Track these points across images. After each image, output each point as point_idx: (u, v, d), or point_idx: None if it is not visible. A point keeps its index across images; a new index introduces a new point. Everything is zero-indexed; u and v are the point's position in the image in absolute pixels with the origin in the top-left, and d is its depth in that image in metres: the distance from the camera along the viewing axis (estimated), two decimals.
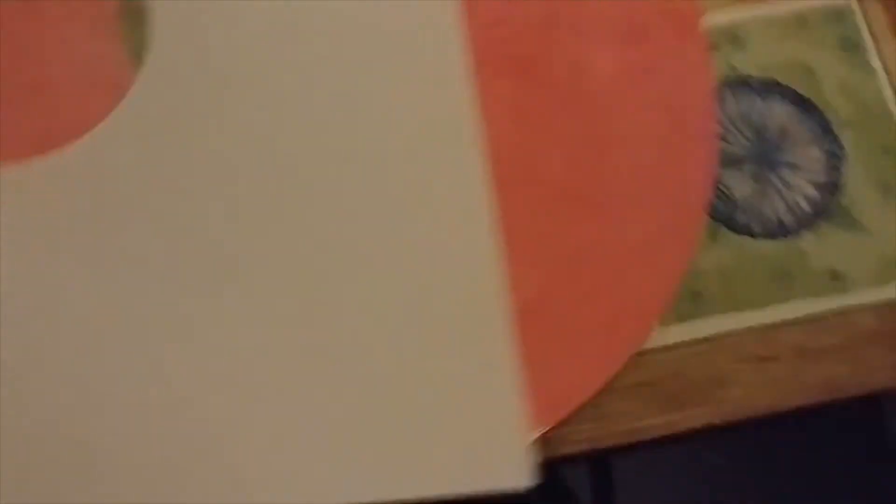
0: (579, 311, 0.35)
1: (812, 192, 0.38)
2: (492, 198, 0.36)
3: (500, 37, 0.39)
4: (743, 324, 0.35)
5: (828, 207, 0.37)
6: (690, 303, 0.36)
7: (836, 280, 0.36)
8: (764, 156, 0.38)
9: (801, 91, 0.39)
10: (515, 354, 0.34)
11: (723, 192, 0.37)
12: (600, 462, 0.64)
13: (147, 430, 0.31)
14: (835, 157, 0.38)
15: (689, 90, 0.39)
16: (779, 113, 0.39)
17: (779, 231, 0.37)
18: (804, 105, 0.39)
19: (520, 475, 0.32)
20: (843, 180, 0.38)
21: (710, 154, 0.38)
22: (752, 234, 0.37)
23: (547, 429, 0.33)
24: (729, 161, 0.38)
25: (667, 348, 0.35)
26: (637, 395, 0.35)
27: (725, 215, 0.37)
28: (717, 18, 0.40)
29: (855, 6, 0.40)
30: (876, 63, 0.40)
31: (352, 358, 0.33)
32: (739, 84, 0.39)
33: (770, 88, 0.39)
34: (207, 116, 0.36)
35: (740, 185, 0.38)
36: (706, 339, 0.35)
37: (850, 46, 0.40)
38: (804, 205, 0.37)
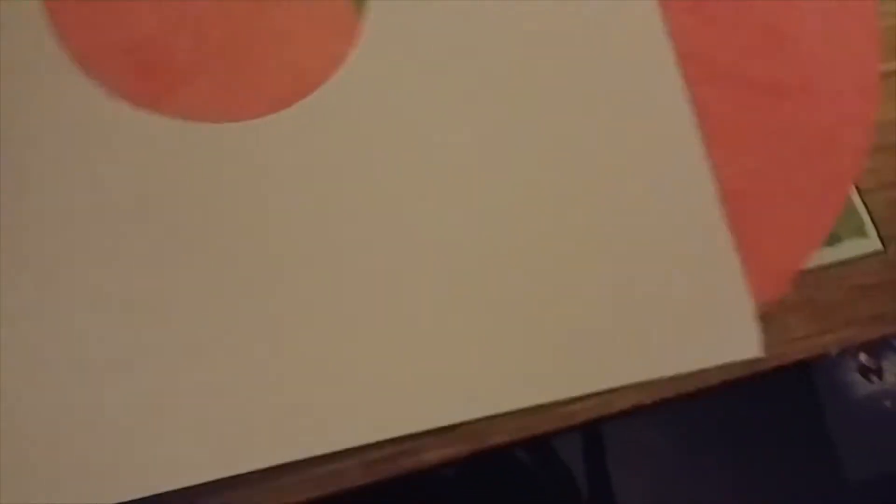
0: (781, 192, 0.38)
1: None
2: (686, 94, 0.38)
3: None
4: None
5: None
6: None
7: None
8: None
9: None
10: (730, 235, 0.36)
11: None
12: (592, 435, 0.67)
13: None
14: None
15: None
16: None
17: None
18: None
19: (750, 346, 0.35)
20: None
21: (876, 41, 0.40)
22: None
23: (769, 300, 0.36)
24: None
25: None
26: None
27: None
28: None
29: None
30: None
31: (582, 252, 0.36)
32: None
33: None
34: (432, 63, 0.37)
35: None
36: None
37: None
38: None
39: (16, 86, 0.33)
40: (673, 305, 0.35)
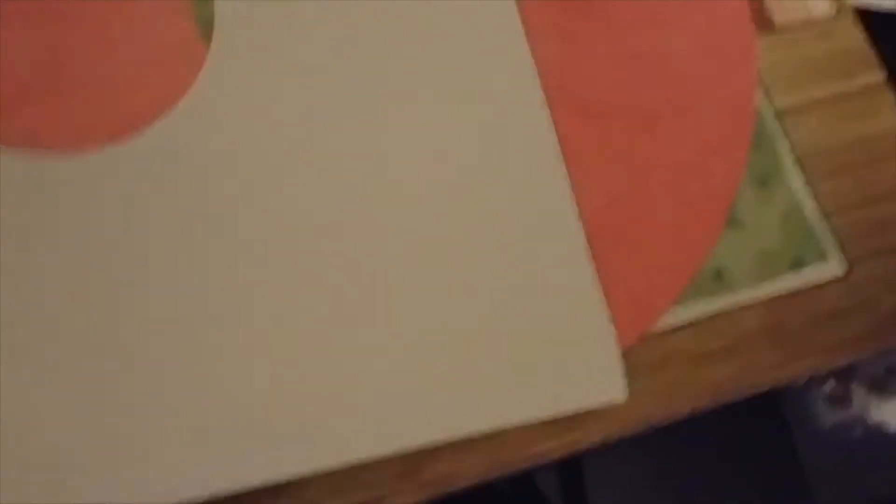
0: (647, 224, 0.36)
1: None
2: (552, 126, 0.36)
3: None
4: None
5: None
6: None
7: (721, 280, 0.38)
8: None
9: None
10: (595, 274, 0.35)
11: None
12: (571, 466, 0.66)
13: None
14: None
15: (725, 6, 0.40)
16: None
17: None
18: None
19: (615, 388, 0.33)
20: None
21: (751, 68, 0.39)
22: None
23: (633, 341, 0.35)
24: None
25: None
26: None
27: None
28: None
29: None
30: None
31: (444, 293, 0.34)
32: None
33: None
34: (280, 86, 0.35)
35: None
36: None
37: None
38: None
39: None
40: (536, 347, 0.34)
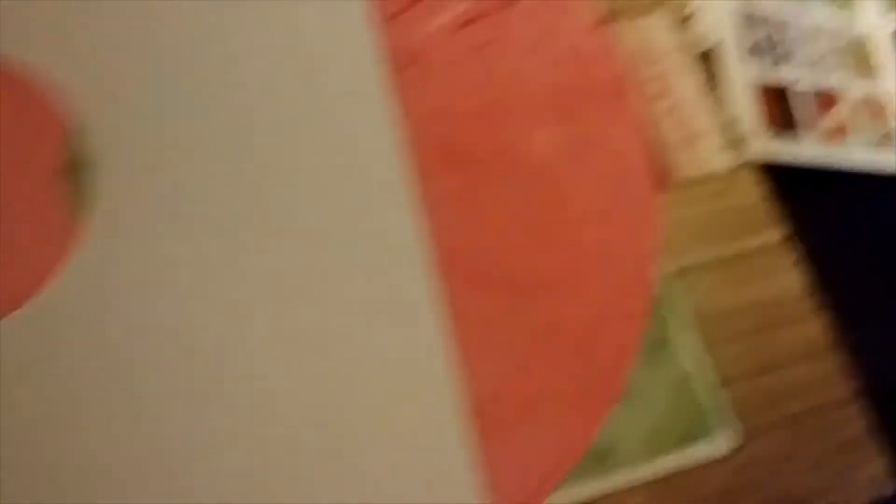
0: (539, 395, 0.34)
1: None
2: (440, 292, 0.35)
3: (438, 130, 0.38)
4: None
5: None
6: None
7: (607, 459, 0.36)
8: None
9: None
10: (474, 453, 0.33)
11: None
12: None
13: None
14: None
15: (622, 166, 0.39)
16: None
17: None
18: None
19: None
20: None
21: (649, 229, 0.38)
22: None
23: None
24: None
25: None
26: None
27: None
28: None
29: None
30: None
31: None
32: None
33: None
34: (155, 265, 0.34)
35: None
36: None
37: None
38: None
39: None
40: None
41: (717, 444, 0.36)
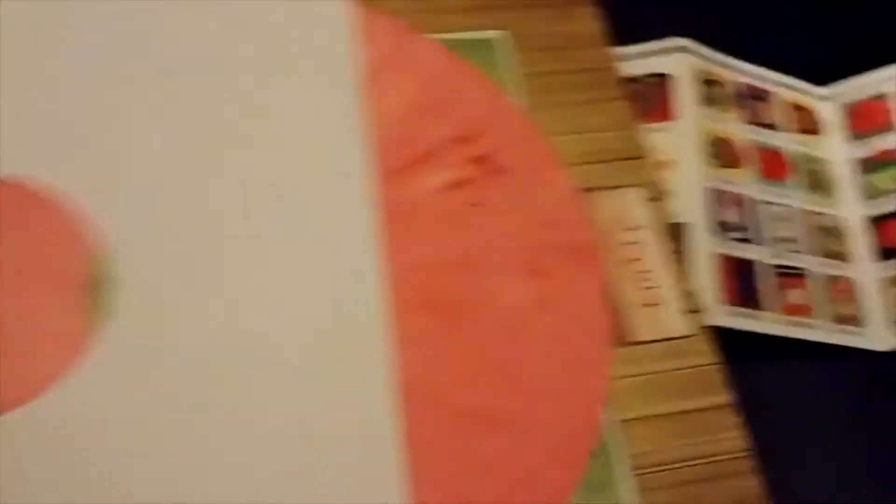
0: None
1: None
2: (397, 416, 0.39)
3: (419, 277, 0.43)
4: None
5: None
6: None
7: None
8: None
9: None
10: None
11: None
12: None
13: None
14: None
15: (585, 321, 0.44)
16: None
17: None
18: None
19: None
20: None
21: (602, 381, 0.42)
22: None
23: None
24: None
25: None
26: None
27: None
28: None
29: None
30: None
31: None
32: None
33: None
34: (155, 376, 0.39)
35: None
36: None
37: None
38: None
39: None
40: None
41: None
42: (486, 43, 0.52)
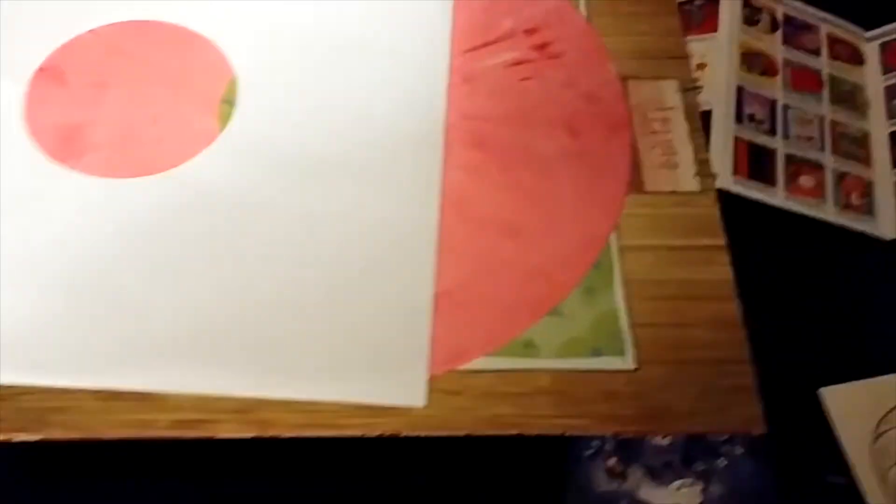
0: (484, 301, 0.48)
1: None
2: (436, 218, 0.50)
3: (472, 124, 0.54)
4: None
5: None
6: None
7: (530, 348, 0.47)
8: None
9: None
10: (430, 311, 0.47)
11: None
12: None
13: None
14: None
15: (607, 170, 0.53)
16: None
17: None
18: None
19: (417, 396, 0.44)
20: None
21: (613, 215, 0.51)
22: None
23: (442, 371, 0.45)
24: None
25: None
26: None
27: None
28: None
29: None
30: None
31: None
32: None
33: None
34: (270, 164, 0.52)
35: None
36: None
37: None
38: None
39: None
40: (367, 350, 0.45)
41: (621, 362, 0.46)
42: None
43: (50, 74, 0.54)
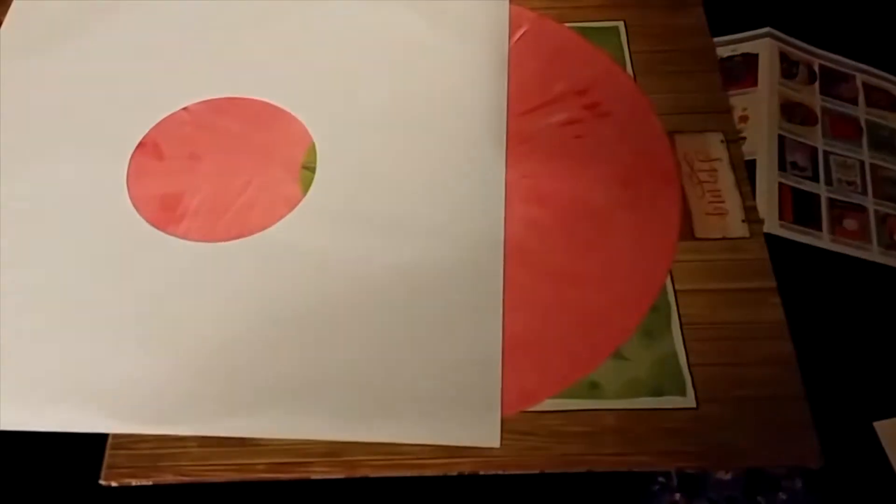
0: (550, 345, 0.51)
1: None
2: (502, 267, 0.54)
3: (530, 181, 0.58)
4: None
5: None
6: None
7: (595, 390, 0.50)
8: None
9: None
10: (500, 354, 0.50)
11: None
12: None
13: None
14: None
15: (660, 220, 0.56)
16: None
17: None
18: None
19: (492, 437, 0.48)
20: None
21: (667, 260, 0.54)
22: None
23: (514, 413, 0.49)
24: None
25: None
26: None
27: None
28: None
29: None
30: None
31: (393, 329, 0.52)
32: None
33: None
34: (342, 230, 0.56)
35: None
36: None
37: None
38: None
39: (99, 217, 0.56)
40: (444, 396, 0.49)
41: (682, 401, 0.48)
42: (611, 30, 0.66)
43: (149, 149, 0.59)
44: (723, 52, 0.65)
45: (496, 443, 0.47)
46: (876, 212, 0.59)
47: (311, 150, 0.59)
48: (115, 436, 0.48)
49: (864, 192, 0.59)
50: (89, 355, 0.50)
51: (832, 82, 0.65)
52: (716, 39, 0.65)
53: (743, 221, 0.56)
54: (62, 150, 0.59)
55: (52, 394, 0.49)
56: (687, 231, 0.56)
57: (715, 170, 0.58)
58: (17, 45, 0.65)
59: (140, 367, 0.49)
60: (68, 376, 0.49)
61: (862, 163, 0.61)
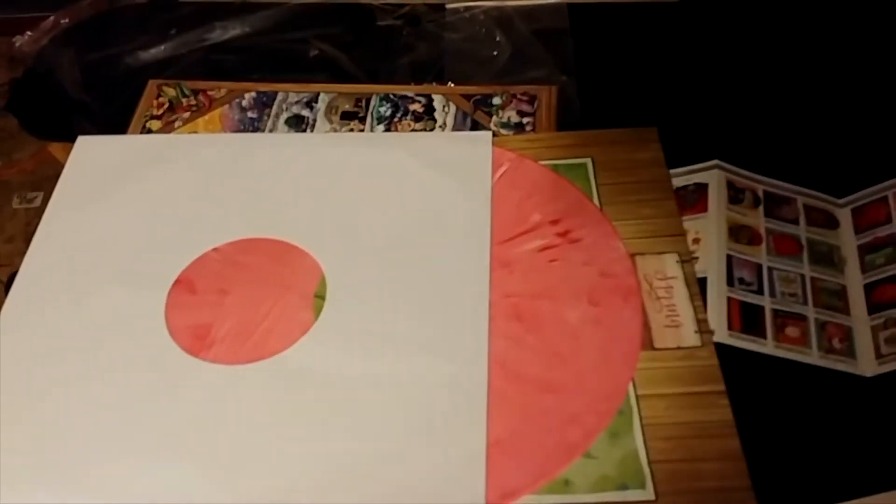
0: (529, 447, 0.57)
1: None
2: (485, 379, 0.60)
3: (511, 301, 0.65)
4: None
5: None
6: None
7: (567, 486, 0.55)
8: None
9: None
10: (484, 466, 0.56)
11: None
12: None
13: None
14: None
15: (623, 333, 0.63)
16: None
17: None
18: None
19: None
20: None
21: (630, 369, 0.60)
22: None
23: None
24: None
25: None
26: None
27: None
28: None
29: None
30: None
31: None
32: None
33: None
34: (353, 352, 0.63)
35: None
36: None
37: None
38: None
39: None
40: (433, 487, 0.55)
41: (643, 493, 0.54)
42: (580, 166, 0.74)
43: (184, 285, 0.67)
44: (678, 182, 0.73)
45: None
46: (816, 320, 0.65)
47: (322, 280, 0.67)
48: None
49: (805, 303, 0.66)
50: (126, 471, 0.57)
51: (775, 205, 0.72)
52: (671, 171, 0.73)
53: (696, 332, 0.62)
54: (108, 287, 0.67)
55: None
56: (647, 341, 0.62)
57: (671, 287, 0.65)
58: (78, 191, 0.75)
59: (174, 486, 0.56)
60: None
61: (803, 276, 0.67)
